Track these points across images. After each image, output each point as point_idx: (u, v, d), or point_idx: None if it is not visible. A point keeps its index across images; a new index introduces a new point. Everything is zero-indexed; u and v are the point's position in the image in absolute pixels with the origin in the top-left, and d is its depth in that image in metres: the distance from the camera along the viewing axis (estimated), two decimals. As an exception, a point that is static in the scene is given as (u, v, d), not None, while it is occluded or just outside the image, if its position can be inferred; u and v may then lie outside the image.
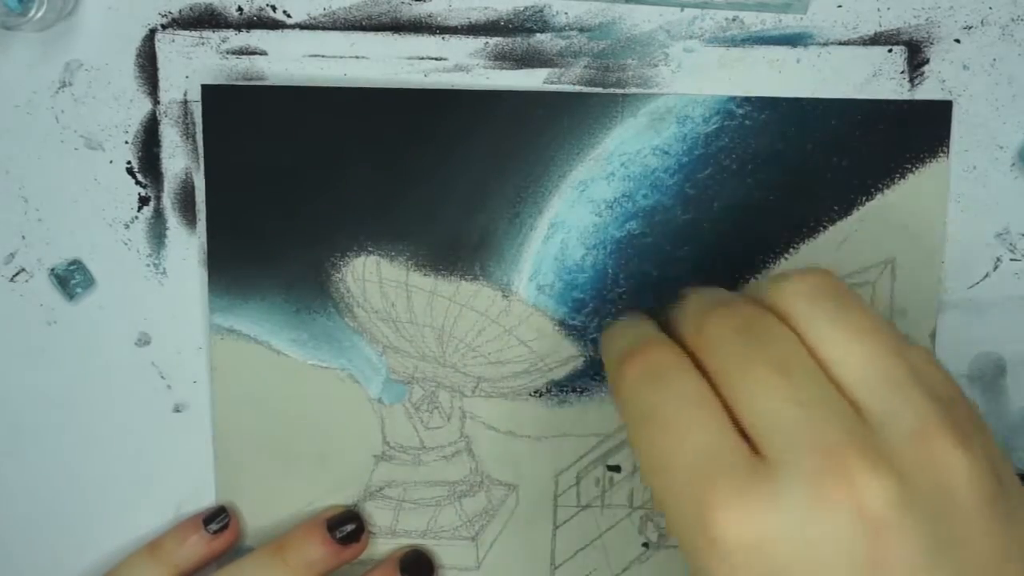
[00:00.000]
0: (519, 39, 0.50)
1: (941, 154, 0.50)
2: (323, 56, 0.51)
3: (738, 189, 0.50)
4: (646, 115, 0.50)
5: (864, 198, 0.50)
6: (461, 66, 0.51)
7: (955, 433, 0.35)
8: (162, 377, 0.53)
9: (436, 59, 0.51)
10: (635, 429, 0.38)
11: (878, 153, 0.50)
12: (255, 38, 0.51)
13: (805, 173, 0.50)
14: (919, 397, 0.36)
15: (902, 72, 0.50)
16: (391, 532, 0.53)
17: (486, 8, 0.50)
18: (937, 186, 0.50)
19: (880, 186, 0.50)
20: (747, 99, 0.50)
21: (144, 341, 0.52)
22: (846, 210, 0.50)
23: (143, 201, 0.52)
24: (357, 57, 0.51)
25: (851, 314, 0.38)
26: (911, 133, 0.50)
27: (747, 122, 0.50)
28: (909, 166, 0.50)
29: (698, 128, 0.50)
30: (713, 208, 0.50)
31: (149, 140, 0.51)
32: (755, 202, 0.50)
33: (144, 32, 0.51)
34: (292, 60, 0.51)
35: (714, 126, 0.50)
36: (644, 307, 0.50)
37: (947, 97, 0.50)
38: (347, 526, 0.51)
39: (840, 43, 0.50)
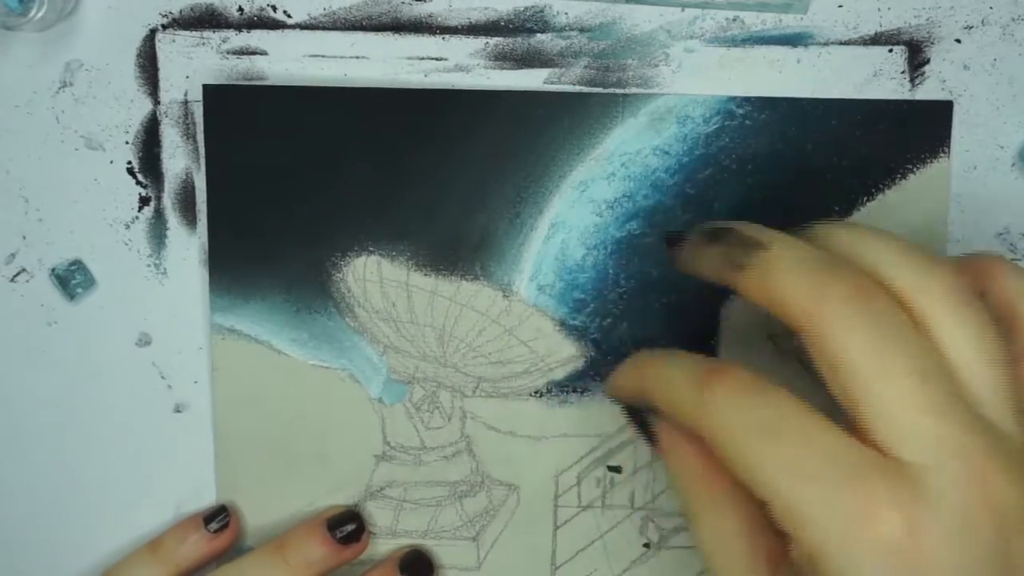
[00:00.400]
0: (519, 39, 0.50)
1: (942, 154, 0.50)
2: (323, 56, 0.51)
3: (738, 189, 0.50)
4: (646, 115, 0.50)
5: (865, 198, 0.50)
6: (461, 66, 0.51)
7: None
8: (162, 377, 0.53)
9: (436, 59, 0.51)
10: (750, 444, 0.37)
11: (878, 153, 0.50)
12: (255, 38, 0.51)
13: (805, 173, 0.50)
14: None
15: (902, 72, 0.50)
16: (391, 532, 0.53)
17: (486, 8, 0.50)
18: (937, 186, 0.50)
19: (881, 186, 0.50)
20: (747, 99, 0.50)
21: (144, 341, 0.52)
22: (847, 210, 0.50)
23: (143, 201, 0.52)
24: (357, 57, 0.51)
25: (986, 332, 0.38)
26: (911, 133, 0.50)
27: (747, 122, 0.50)
28: (910, 166, 0.50)
29: (698, 128, 0.50)
30: (713, 208, 0.50)
31: (149, 140, 0.51)
32: (755, 202, 0.50)
33: (144, 32, 0.51)
34: (292, 60, 0.51)
35: (714, 126, 0.50)
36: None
37: (947, 97, 0.50)
38: (347, 526, 0.51)
39: (840, 43, 0.50)
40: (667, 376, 0.41)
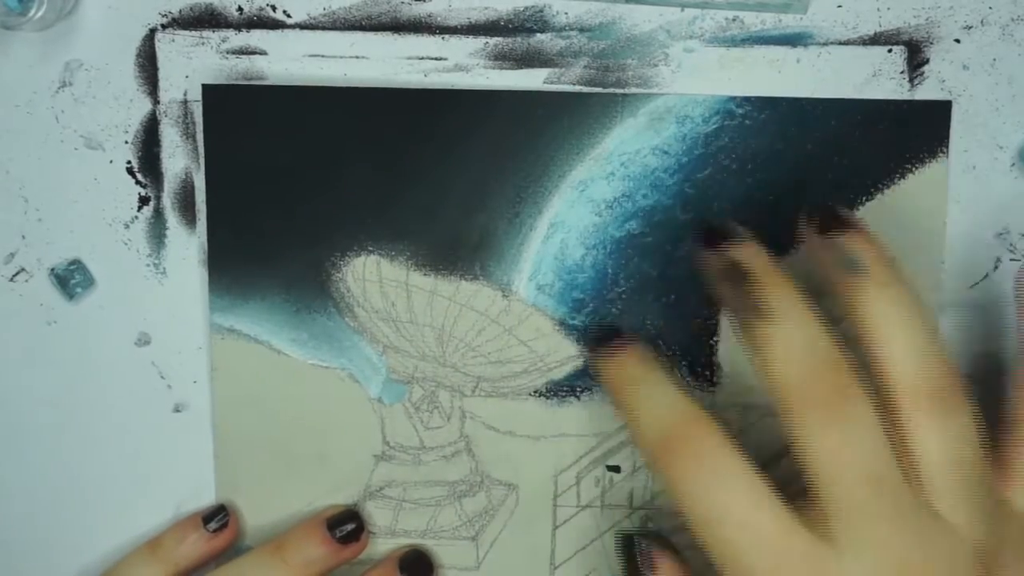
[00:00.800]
0: (519, 39, 0.50)
1: (941, 154, 0.50)
2: (323, 56, 0.51)
3: (738, 189, 0.50)
4: (646, 115, 0.50)
5: (864, 198, 0.50)
6: (461, 66, 0.51)
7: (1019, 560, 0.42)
8: (162, 377, 0.53)
9: (436, 59, 0.51)
10: (696, 518, 0.41)
11: (878, 153, 0.50)
12: (255, 38, 0.51)
13: (805, 173, 0.50)
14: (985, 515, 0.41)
15: (902, 72, 0.50)
16: (391, 532, 0.53)
17: (486, 8, 0.50)
18: (937, 186, 0.50)
19: (880, 186, 0.50)
20: (747, 99, 0.50)
21: (144, 341, 0.52)
22: (846, 210, 0.50)
23: (143, 201, 0.52)
24: (357, 57, 0.51)
25: (961, 438, 0.41)
26: (911, 133, 0.50)
27: (747, 122, 0.50)
28: (909, 166, 0.50)
29: (698, 128, 0.50)
30: (713, 208, 0.50)
31: (149, 140, 0.51)
32: (755, 202, 0.50)
33: (144, 32, 0.51)
34: (292, 60, 0.51)
35: (714, 126, 0.50)
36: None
37: (947, 97, 0.50)
38: (347, 525, 0.51)
39: (840, 43, 0.50)
40: (638, 414, 0.44)
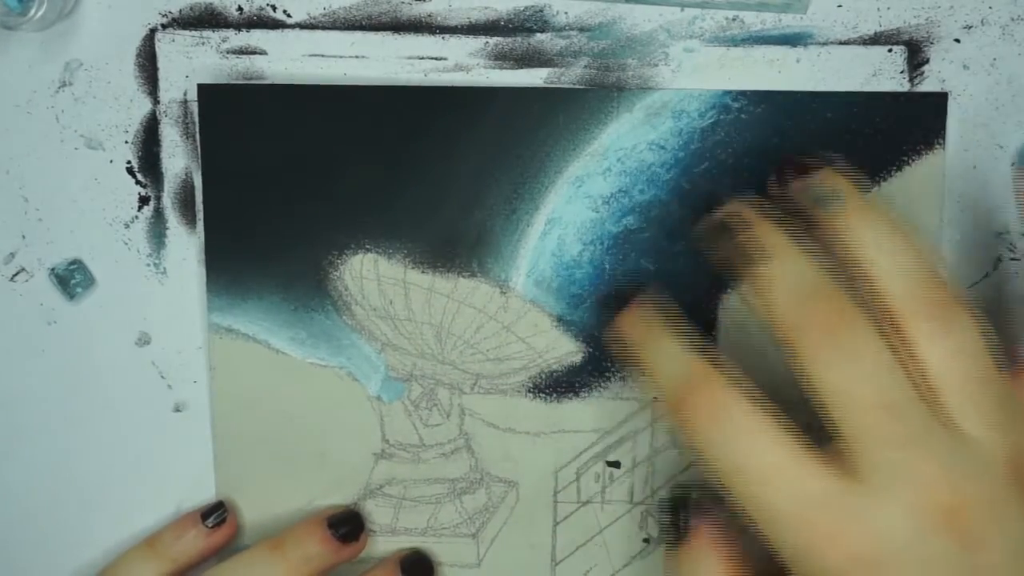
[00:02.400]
0: (519, 39, 0.50)
1: (937, 146, 0.50)
2: (323, 56, 0.51)
3: (735, 183, 0.50)
4: (642, 110, 0.50)
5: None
6: (461, 66, 0.51)
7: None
8: (162, 377, 0.53)
9: (436, 59, 0.51)
10: (718, 472, 0.41)
11: (874, 145, 0.50)
12: (255, 38, 0.51)
13: (802, 167, 0.50)
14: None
15: (902, 72, 0.50)
16: (391, 530, 0.53)
17: (486, 8, 0.50)
18: (933, 177, 0.50)
19: (877, 178, 0.50)
20: (743, 93, 0.50)
21: (144, 341, 0.52)
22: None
23: (143, 201, 0.52)
24: (357, 57, 0.51)
25: (967, 352, 0.41)
26: (907, 125, 0.50)
27: (743, 116, 0.50)
28: (905, 158, 0.50)
29: (694, 123, 0.50)
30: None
31: (149, 140, 0.51)
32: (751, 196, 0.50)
33: (144, 31, 0.51)
34: (292, 60, 0.51)
35: (710, 120, 0.50)
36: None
37: (947, 97, 0.51)
38: (347, 524, 0.51)
39: (840, 43, 0.50)
40: (650, 377, 0.44)
